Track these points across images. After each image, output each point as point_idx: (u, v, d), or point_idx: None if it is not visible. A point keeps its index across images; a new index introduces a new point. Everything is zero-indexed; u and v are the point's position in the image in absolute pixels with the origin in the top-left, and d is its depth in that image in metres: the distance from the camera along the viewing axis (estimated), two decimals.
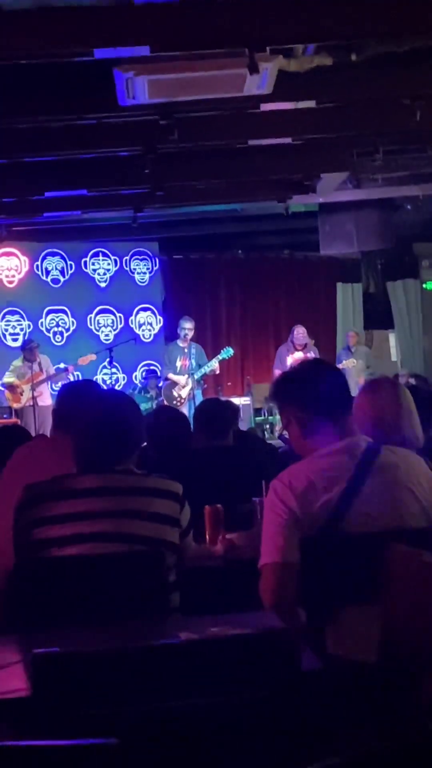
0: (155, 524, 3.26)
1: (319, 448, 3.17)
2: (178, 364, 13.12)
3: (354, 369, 14.05)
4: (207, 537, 3.95)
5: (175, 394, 13.03)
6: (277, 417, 14.64)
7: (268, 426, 14.80)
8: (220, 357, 13.22)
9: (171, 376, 13.16)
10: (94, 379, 14.38)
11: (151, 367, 15.05)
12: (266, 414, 15.18)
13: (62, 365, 13.85)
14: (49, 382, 13.05)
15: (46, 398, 12.83)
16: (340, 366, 13.46)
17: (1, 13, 6.13)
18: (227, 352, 13.31)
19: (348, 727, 2.23)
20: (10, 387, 12.80)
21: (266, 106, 8.07)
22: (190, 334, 13.24)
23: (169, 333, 15.50)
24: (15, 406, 12.75)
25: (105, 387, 12.05)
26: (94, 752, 1.43)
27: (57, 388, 13.25)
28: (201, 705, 1.89)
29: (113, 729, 1.59)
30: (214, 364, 13.19)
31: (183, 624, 2.81)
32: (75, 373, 13.03)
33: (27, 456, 4.16)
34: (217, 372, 13.62)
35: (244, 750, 1.98)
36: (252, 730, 1.91)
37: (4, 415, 12.88)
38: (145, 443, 4.62)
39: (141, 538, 3.22)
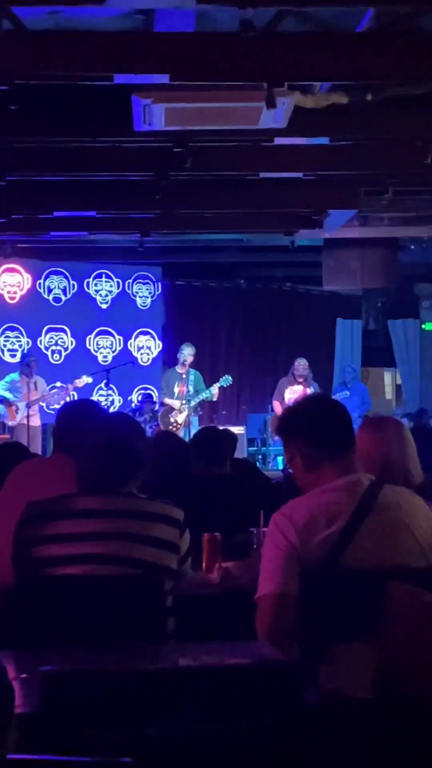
0: (155, 549, 3.28)
1: (322, 483, 3.19)
2: (176, 389, 13.13)
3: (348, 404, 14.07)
4: (204, 564, 3.96)
5: (171, 419, 13.04)
6: (270, 448, 14.69)
7: (260, 456, 14.82)
8: (219, 384, 13.24)
9: (167, 400, 13.17)
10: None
11: (148, 391, 15.08)
12: (259, 444, 15.20)
13: (59, 384, 13.88)
14: (44, 403, 13.05)
15: (37, 419, 12.86)
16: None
17: (23, 33, 6.18)
18: (226, 380, 13.33)
19: (343, 762, 2.24)
20: (6, 402, 12.81)
21: (280, 140, 8.13)
22: (190, 360, 13.26)
23: (168, 358, 15.54)
24: (9, 423, 12.75)
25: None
26: None
27: (52, 410, 13.39)
28: (205, 731, 1.91)
29: (119, 749, 1.61)
30: (214, 391, 13.20)
31: (182, 650, 2.82)
32: (72, 393, 13.05)
33: (27, 474, 4.17)
34: (215, 399, 13.63)
35: None
36: (253, 758, 1.92)
37: None
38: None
39: (140, 562, 3.24)
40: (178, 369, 13.32)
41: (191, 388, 13.13)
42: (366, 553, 3.04)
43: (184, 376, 13.22)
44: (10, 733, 1.45)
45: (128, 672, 2.00)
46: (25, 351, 14.25)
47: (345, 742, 2.39)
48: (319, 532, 3.04)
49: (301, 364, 13.85)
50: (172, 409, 13.14)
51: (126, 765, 1.50)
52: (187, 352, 13.24)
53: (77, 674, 1.95)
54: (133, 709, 1.91)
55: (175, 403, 13.06)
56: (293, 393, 13.47)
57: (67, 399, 12.70)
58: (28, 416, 12.59)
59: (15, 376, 12.99)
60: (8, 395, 12.83)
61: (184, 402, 13.05)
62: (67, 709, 1.88)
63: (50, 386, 13.49)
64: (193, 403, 13.08)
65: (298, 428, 3.28)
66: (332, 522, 3.06)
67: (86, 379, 13.35)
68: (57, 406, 13.58)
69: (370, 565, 3.03)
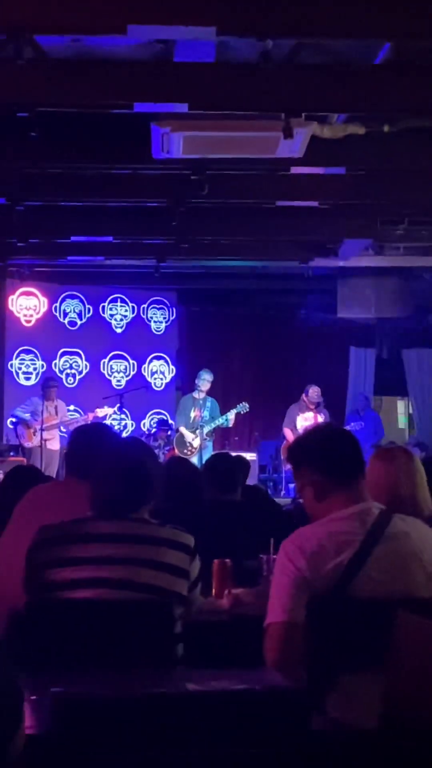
0: (165, 574, 3.30)
1: (332, 512, 3.21)
2: (192, 414, 13.16)
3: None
4: (213, 591, 3.98)
5: (187, 443, 13.07)
6: (282, 475, 14.68)
7: (271, 483, 14.82)
8: (236, 411, 13.27)
9: (182, 429, 13.20)
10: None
11: (161, 416, 15.10)
12: (271, 471, 15.20)
13: (72, 407, 13.93)
14: (61, 427, 13.10)
15: (55, 443, 12.91)
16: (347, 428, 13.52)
17: (46, 61, 6.26)
18: (243, 407, 13.36)
19: None
20: (25, 423, 12.88)
21: (296, 169, 8.20)
22: (207, 386, 13.29)
23: (181, 383, 15.56)
24: (26, 444, 12.81)
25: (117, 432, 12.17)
26: None
27: (65, 432, 13.43)
28: (212, 757, 1.93)
29: None
30: (231, 417, 13.22)
31: (190, 676, 2.84)
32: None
33: (40, 497, 4.18)
34: (231, 425, 13.65)
35: None
36: None
37: (12, 453, 12.92)
38: None
39: (150, 587, 3.26)
40: (195, 395, 13.36)
41: (207, 414, 13.16)
42: (375, 583, 3.06)
43: (200, 401, 13.25)
44: (18, 737, 1.48)
45: (137, 696, 2.02)
46: (39, 376, 14.33)
47: None
48: (329, 560, 3.06)
49: (314, 391, 13.86)
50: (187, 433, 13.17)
51: None
52: (206, 378, 13.27)
53: (88, 697, 1.98)
54: (140, 733, 1.94)
55: (189, 434, 13.08)
56: (305, 420, 13.47)
57: None
58: (43, 439, 12.65)
59: (36, 399, 13.09)
60: (26, 416, 12.91)
61: (197, 429, 13.08)
62: (76, 731, 1.91)
63: (68, 413, 13.55)
64: (206, 429, 13.09)
65: (309, 457, 3.31)
66: (341, 551, 3.08)
67: (107, 410, 13.40)
68: None
69: (378, 595, 3.04)
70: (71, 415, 13.65)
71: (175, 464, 5.94)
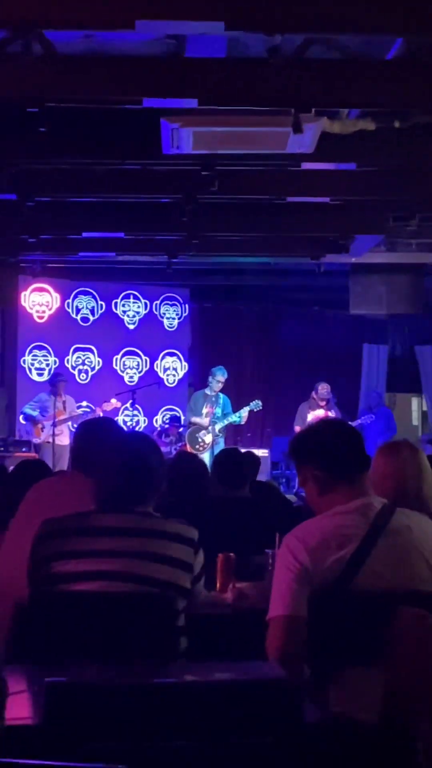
0: (169, 568, 3.31)
1: (334, 506, 3.21)
2: (204, 410, 13.18)
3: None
4: (218, 584, 3.99)
5: (199, 438, 13.09)
6: (294, 471, 14.67)
7: (284, 479, 14.81)
8: (248, 408, 13.29)
9: (195, 419, 13.23)
10: (116, 420, 14.45)
11: (173, 413, 15.11)
12: (284, 468, 15.20)
13: (84, 403, 13.97)
14: (71, 423, 13.14)
15: (65, 438, 12.94)
16: (357, 423, 13.58)
17: (55, 56, 6.27)
18: (256, 405, 13.39)
19: None
20: (33, 420, 12.95)
21: (307, 165, 8.19)
22: (219, 387, 13.30)
23: (194, 379, 15.56)
24: (35, 440, 12.88)
25: (126, 428, 12.22)
26: None
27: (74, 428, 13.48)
28: (204, 747, 1.94)
29: (118, 761, 1.65)
30: (244, 414, 13.24)
31: (189, 668, 2.85)
32: (100, 415, 13.11)
33: (45, 491, 4.21)
34: (244, 423, 13.67)
35: None
36: None
37: (23, 449, 12.96)
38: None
39: (153, 581, 3.27)
40: (208, 392, 13.37)
41: (219, 411, 13.18)
42: (376, 577, 3.06)
43: (213, 398, 13.27)
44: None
45: (129, 686, 2.03)
46: (53, 370, 14.35)
47: (344, 763, 2.41)
48: (331, 554, 3.07)
49: (324, 388, 13.89)
50: (200, 428, 13.18)
51: None
52: (219, 379, 13.28)
53: (81, 686, 1.99)
54: (133, 722, 1.94)
55: (204, 421, 13.11)
56: (315, 417, 13.47)
57: None
58: (53, 435, 12.69)
59: (44, 395, 13.14)
60: (34, 413, 12.97)
61: (209, 426, 13.10)
62: (70, 720, 1.92)
63: (77, 405, 13.60)
64: (218, 426, 13.11)
65: (311, 452, 3.31)
66: (343, 545, 3.08)
67: (115, 403, 13.45)
68: None
69: (380, 589, 3.05)
70: (82, 410, 13.69)
71: (184, 459, 5.96)
